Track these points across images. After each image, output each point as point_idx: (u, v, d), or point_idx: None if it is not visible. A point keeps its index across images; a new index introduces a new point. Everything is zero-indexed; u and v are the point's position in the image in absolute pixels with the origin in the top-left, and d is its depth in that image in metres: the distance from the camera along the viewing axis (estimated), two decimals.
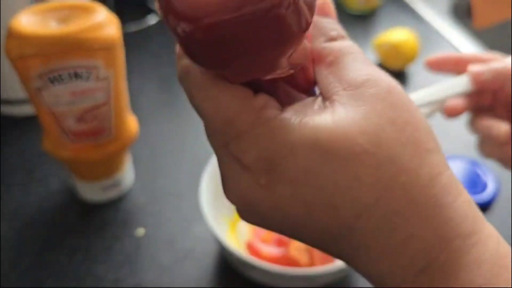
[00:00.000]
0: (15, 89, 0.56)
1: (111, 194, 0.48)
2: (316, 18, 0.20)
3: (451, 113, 0.36)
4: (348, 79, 0.17)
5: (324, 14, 0.20)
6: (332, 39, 0.19)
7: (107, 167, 0.45)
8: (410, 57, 0.66)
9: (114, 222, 0.46)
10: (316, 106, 0.17)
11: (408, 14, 0.84)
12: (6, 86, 0.55)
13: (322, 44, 0.19)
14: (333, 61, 0.18)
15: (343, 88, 0.17)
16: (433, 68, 0.38)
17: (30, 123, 0.58)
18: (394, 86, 0.17)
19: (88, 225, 0.45)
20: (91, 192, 0.47)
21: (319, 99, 0.18)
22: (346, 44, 0.19)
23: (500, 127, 0.35)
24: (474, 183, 0.50)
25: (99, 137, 0.42)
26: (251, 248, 0.41)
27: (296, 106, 0.17)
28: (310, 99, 0.18)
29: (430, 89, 0.37)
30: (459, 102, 0.36)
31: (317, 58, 0.19)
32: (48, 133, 0.42)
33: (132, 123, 0.45)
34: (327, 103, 0.17)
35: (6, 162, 0.52)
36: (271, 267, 0.34)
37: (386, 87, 0.17)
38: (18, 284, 0.40)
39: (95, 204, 0.47)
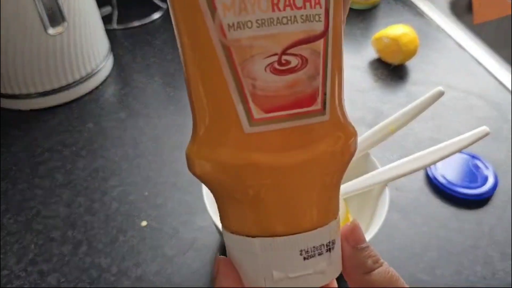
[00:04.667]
0: (18, 83, 0.57)
1: None
2: (350, 250, 0.20)
3: None
4: None
5: (355, 241, 0.20)
6: (371, 269, 0.20)
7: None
8: (410, 52, 0.67)
9: (118, 215, 0.46)
10: None
11: (408, 9, 0.85)
12: (11, 80, 0.56)
13: (361, 277, 0.20)
14: None
15: None
16: None
17: (36, 116, 0.58)
18: None
19: (92, 218, 0.46)
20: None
21: None
22: (384, 274, 0.20)
23: None
24: (474, 177, 0.51)
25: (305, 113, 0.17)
26: None
27: None
28: None
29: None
30: None
31: None
32: (203, 125, 0.19)
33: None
34: None
35: (12, 155, 0.53)
36: None
37: None
38: (23, 277, 0.41)
39: (98, 197, 0.48)
